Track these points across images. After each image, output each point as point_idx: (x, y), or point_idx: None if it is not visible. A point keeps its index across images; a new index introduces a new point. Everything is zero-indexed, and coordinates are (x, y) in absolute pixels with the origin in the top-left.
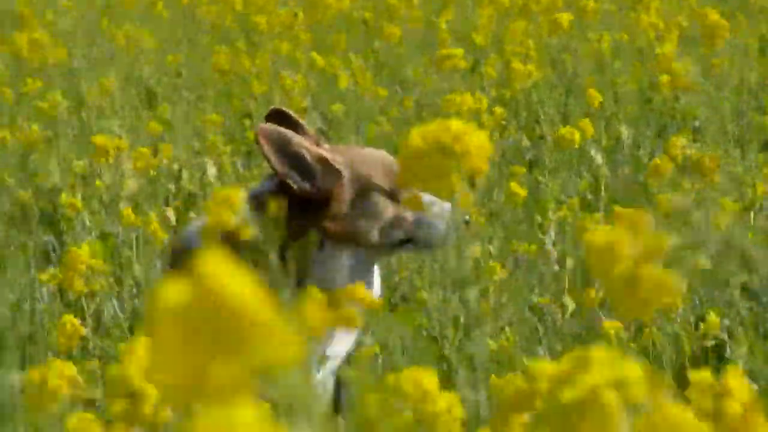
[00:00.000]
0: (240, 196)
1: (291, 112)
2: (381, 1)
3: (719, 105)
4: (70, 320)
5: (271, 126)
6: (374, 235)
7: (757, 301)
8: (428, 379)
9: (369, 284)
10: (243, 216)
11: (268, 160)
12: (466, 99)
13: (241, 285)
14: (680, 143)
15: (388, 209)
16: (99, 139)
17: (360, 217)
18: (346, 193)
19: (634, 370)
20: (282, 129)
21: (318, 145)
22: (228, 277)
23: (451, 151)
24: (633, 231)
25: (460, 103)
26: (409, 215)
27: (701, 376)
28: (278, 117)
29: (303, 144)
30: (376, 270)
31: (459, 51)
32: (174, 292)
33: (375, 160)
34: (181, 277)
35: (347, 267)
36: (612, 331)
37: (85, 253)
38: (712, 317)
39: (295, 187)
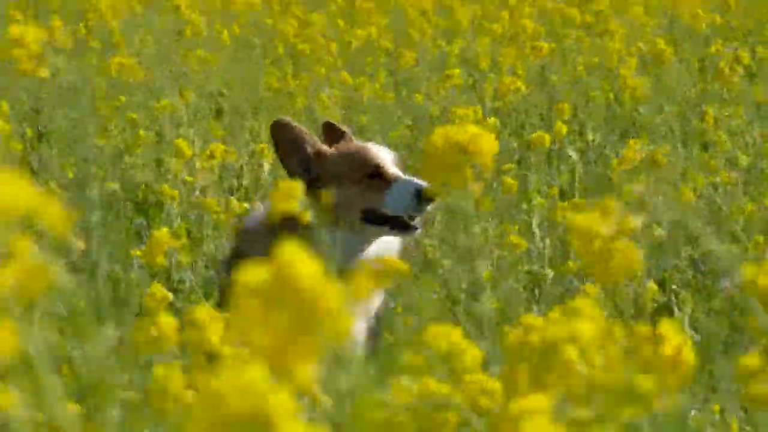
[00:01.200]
0: (300, 188)
1: (337, 124)
2: (401, 32)
3: (668, 113)
4: (158, 288)
5: (284, 121)
6: (345, 214)
7: (699, 269)
8: (455, 333)
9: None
10: (302, 203)
11: (275, 148)
12: (467, 111)
13: (314, 272)
14: (638, 145)
15: (354, 192)
16: (180, 143)
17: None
18: (327, 180)
19: (589, 326)
20: (294, 125)
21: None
22: (304, 265)
23: (467, 149)
24: (604, 215)
25: (461, 113)
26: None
27: (643, 328)
28: (329, 128)
29: (306, 138)
30: (379, 248)
31: (457, 71)
32: (256, 273)
33: (353, 154)
34: (259, 261)
35: (344, 245)
36: (590, 292)
37: (165, 234)
38: (652, 284)
39: (291, 170)
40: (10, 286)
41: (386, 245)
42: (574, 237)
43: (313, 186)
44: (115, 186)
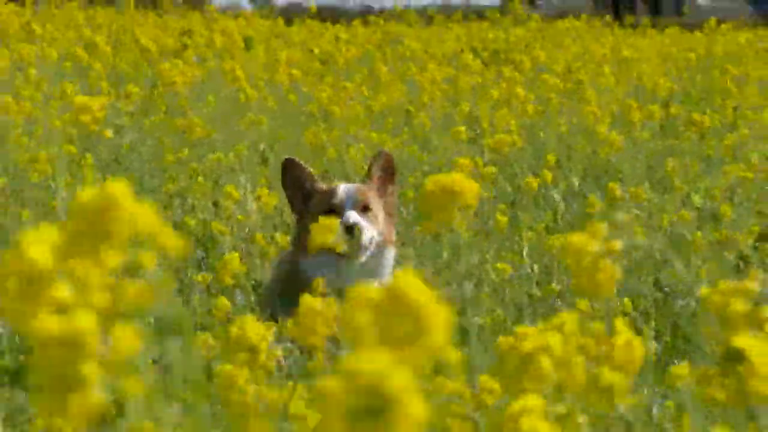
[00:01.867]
0: (336, 223)
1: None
2: (415, 97)
3: (636, 163)
4: (224, 301)
5: (293, 160)
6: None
7: (662, 290)
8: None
9: (350, 281)
10: (338, 236)
11: (282, 182)
12: (468, 161)
13: (425, 295)
14: (613, 187)
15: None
16: (230, 188)
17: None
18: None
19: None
20: (301, 164)
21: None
22: (415, 289)
23: (452, 191)
24: (593, 237)
25: (463, 163)
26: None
27: (596, 326)
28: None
29: (307, 177)
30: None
31: (462, 128)
32: (370, 293)
33: (323, 193)
34: (368, 284)
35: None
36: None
37: (235, 258)
38: (626, 301)
39: (290, 201)
40: (131, 298)
41: (382, 269)
42: (567, 254)
43: (305, 218)
44: (188, 223)
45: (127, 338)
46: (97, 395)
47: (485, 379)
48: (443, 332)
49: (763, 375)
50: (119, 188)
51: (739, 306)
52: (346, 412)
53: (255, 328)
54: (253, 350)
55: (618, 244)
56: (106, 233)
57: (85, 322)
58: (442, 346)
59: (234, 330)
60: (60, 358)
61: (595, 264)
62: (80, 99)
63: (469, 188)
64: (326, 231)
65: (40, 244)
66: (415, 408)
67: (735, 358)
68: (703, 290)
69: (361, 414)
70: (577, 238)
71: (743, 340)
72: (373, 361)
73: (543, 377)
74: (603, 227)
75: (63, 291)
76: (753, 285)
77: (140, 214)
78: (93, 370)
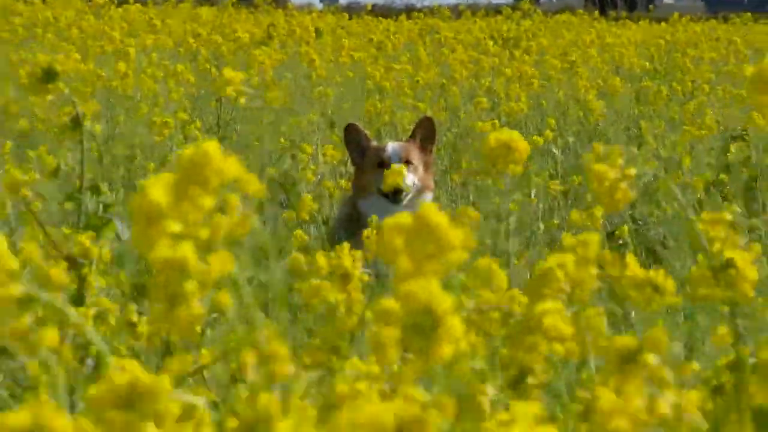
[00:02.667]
0: (403, 169)
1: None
2: (449, 76)
3: (617, 125)
4: (300, 233)
5: (353, 125)
6: (372, 187)
7: (636, 222)
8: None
9: None
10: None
11: (344, 140)
12: (487, 125)
13: (443, 219)
14: (599, 146)
15: (371, 175)
16: (305, 146)
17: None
18: (367, 167)
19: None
20: (358, 127)
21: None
22: (437, 215)
23: (509, 146)
24: (612, 165)
25: (482, 126)
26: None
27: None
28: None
29: (363, 137)
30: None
31: (484, 99)
32: (402, 219)
33: (376, 150)
34: (403, 214)
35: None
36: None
37: (308, 199)
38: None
39: (351, 157)
40: (225, 230)
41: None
42: (591, 177)
43: (362, 170)
44: (273, 172)
45: (222, 262)
46: (197, 308)
47: (516, 293)
48: (460, 251)
49: (750, 279)
50: (212, 146)
51: (721, 230)
52: (403, 327)
53: (349, 257)
54: (346, 275)
55: (632, 171)
56: (204, 180)
57: (188, 250)
58: (459, 261)
59: (333, 257)
60: (170, 278)
61: (614, 186)
62: (228, 73)
63: (523, 146)
64: (398, 174)
65: (158, 188)
66: (455, 326)
67: (724, 267)
68: (691, 219)
69: (414, 328)
70: (599, 167)
71: (732, 253)
72: (426, 288)
73: (559, 287)
74: (619, 159)
75: (174, 226)
76: (728, 215)
77: (227, 165)
78: (194, 288)
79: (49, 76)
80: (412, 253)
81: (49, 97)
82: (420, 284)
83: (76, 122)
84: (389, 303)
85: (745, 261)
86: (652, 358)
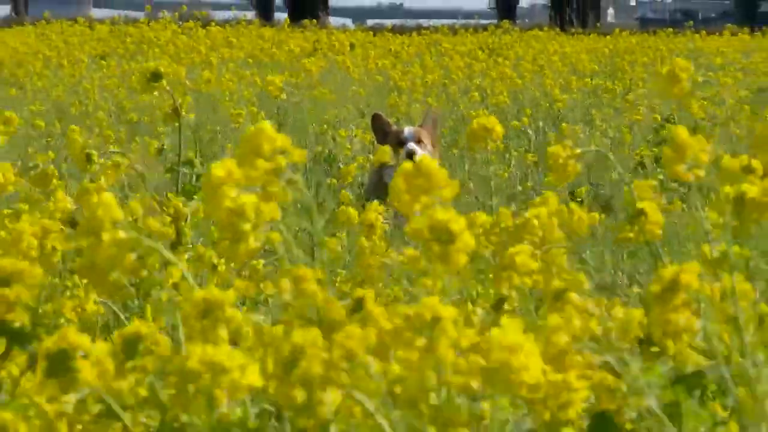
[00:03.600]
0: (388, 150)
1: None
2: (449, 77)
3: (576, 112)
4: (346, 193)
5: (377, 114)
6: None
7: (592, 185)
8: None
9: None
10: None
11: (372, 126)
12: (479, 113)
13: (433, 164)
14: (566, 126)
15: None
16: (342, 131)
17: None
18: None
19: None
20: (381, 116)
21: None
22: (429, 161)
23: (487, 128)
24: (564, 147)
25: (474, 114)
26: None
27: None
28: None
29: (385, 123)
30: None
31: (476, 93)
32: (407, 166)
33: (395, 133)
34: (407, 163)
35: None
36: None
37: (352, 167)
38: (581, 189)
39: (377, 139)
40: (277, 187)
41: None
42: (549, 157)
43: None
44: (318, 150)
45: (272, 209)
46: (253, 244)
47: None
48: (447, 188)
49: (655, 221)
50: (266, 126)
51: (646, 192)
52: (426, 240)
53: (374, 212)
54: (371, 225)
55: (578, 151)
56: (259, 147)
57: (247, 199)
58: (446, 197)
59: (363, 211)
60: (233, 222)
61: (565, 163)
62: (269, 78)
63: (498, 128)
64: (383, 154)
65: (218, 168)
66: (467, 240)
67: (637, 215)
68: (625, 190)
69: (436, 242)
70: (554, 149)
71: (644, 204)
72: (444, 214)
73: (534, 232)
74: (570, 142)
75: (231, 191)
76: (652, 182)
77: (279, 138)
78: (249, 228)
79: (155, 77)
80: (410, 188)
81: (155, 93)
82: (441, 212)
83: (176, 112)
84: (419, 223)
85: (653, 209)
86: (574, 296)
